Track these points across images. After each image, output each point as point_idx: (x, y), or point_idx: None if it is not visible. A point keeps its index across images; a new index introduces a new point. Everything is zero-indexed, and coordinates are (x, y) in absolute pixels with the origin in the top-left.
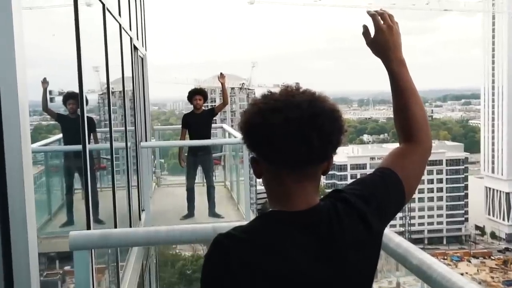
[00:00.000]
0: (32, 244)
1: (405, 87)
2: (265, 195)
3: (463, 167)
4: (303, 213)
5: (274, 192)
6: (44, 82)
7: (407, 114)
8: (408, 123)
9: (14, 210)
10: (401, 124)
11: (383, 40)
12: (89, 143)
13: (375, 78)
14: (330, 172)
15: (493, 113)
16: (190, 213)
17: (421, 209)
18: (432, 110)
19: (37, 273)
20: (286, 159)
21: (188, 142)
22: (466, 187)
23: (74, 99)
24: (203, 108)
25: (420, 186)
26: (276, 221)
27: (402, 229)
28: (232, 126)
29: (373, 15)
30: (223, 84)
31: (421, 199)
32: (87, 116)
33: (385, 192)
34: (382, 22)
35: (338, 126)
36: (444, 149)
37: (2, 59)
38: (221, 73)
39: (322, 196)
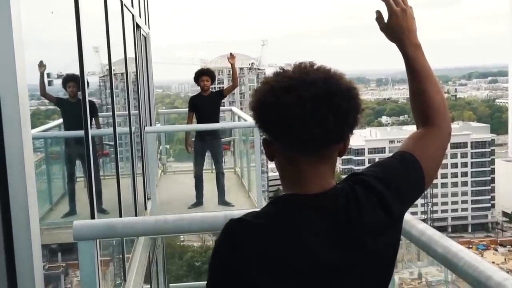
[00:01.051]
0: (35, 235)
1: (421, 70)
2: (277, 182)
3: (489, 149)
4: (318, 196)
5: (288, 175)
6: (41, 65)
7: (423, 97)
8: (425, 106)
9: (15, 200)
10: (418, 108)
11: (397, 25)
12: (90, 128)
13: (393, 56)
14: (346, 157)
15: None
16: (199, 202)
17: (444, 195)
18: (455, 89)
19: (40, 266)
20: (300, 140)
21: (195, 126)
22: (492, 171)
23: (74, 81)
24: (210, 90)
25: (443, 171)
26: (290, 204)
27: (424, 216)
28: (241, 108)
29: None
30: (233, 65)
31: (444, 185)
32: (89, 100)
33: (405, 175)
34: (395, 6)
35: (355, 105)
36: (469, 131)
37: None
38: (231, 53)
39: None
